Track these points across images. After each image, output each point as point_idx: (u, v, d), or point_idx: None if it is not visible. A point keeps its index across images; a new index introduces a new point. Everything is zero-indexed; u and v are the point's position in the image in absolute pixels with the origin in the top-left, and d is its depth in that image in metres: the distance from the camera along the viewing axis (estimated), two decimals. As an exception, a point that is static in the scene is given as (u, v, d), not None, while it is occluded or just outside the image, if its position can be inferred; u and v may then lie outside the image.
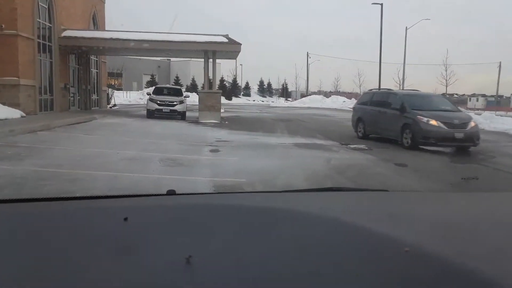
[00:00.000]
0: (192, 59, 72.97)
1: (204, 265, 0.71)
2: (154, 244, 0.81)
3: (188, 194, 1.53)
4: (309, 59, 63.70)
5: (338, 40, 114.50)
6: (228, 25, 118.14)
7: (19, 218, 0.96)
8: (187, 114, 19.20)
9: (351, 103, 40.98)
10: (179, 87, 23.10)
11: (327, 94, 53.05)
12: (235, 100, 60.65)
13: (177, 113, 18.55)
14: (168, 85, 25.60)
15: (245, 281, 0.68)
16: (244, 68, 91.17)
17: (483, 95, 70.05)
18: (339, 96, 46.19)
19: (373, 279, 0.70)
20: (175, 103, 18.61)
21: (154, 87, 21.53)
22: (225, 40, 18.63)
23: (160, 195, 1.26)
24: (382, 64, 35.01)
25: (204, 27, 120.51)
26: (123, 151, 8.32)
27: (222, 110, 29.50)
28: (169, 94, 19.51)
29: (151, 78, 60.43)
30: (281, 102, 46.51)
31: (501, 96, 65.63)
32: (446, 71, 53.34)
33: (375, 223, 0.95)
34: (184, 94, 21.01)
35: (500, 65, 61.12)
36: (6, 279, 0.65)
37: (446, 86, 53.93)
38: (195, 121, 18.00)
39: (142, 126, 14.96)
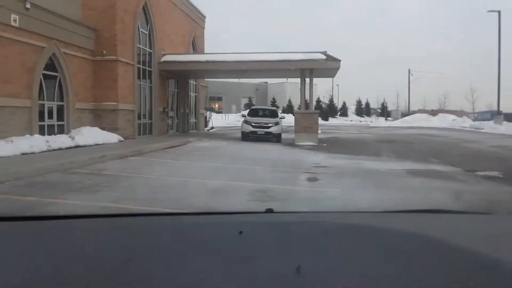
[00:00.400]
0: (289, 80, 73.47)
1: (312, 275, 0.75)
2: (266, 256, 0.87)
3: (285, 212, 1.67)
4: (411, 76, 59.75)
5: (444, 55, 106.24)
6: (320, 45, 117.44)
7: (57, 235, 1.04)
8: (283, 136, 18.27)
9: (462, 122, 36.81)
10: (274, 108, 22.21)
11: (432, 112, 48.66)
12: (331, 121, 58.77)
13: (272, 135, 17.66)
14: (263, 107, 24.89)
15: None
16: (341, 89, 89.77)
17: None
18: (447, 114, 41.86)
19: None
20: (270, 125, 17.75)
21: (249, 109, 20.96)
22: (323, 57, 17.40)
23: (259, 212, 1.36)
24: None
25: (292, 47, 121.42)
26: (209, 180, 7.43)
27: (319, 132, 28.31)
28: (264, 115, 18.76)
29: (248, 101, 61.45)
30: (380, 122, 43.65)
31: None
32: None
33: (490, 251, 0.90)
34: (280, 115, 20.13)
35: None
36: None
37: None
38: (291, 144, 16.91)
39: (235, 150, 14.23)
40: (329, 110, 62.66)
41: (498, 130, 25.55)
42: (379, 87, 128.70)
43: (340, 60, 17.16)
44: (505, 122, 27.52)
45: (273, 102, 59.50)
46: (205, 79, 26.82)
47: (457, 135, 25.48)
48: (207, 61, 18.64)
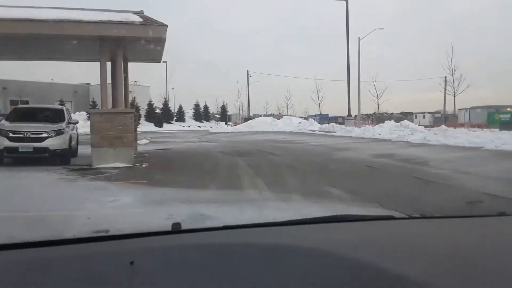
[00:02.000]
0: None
1: None
2: None
3: (193, 231, 1.30)
4: (249, 77, 56.90)
5: (278, 55, 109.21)
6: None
7: (11, 266, 0.91)
8: (82, 151, 10.62)
9: (309, 125, 34.06)
10: (60, 107, 13.28)
11: (278, 116, 46.06)
12: (167, 127, 51.73)
13: (49, 152, 9.86)
14: (37, 105, 15.67)
15: None
16: (179, 92, 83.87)
17: (430, 112, 68.85)
18: (293, 117, 39.10)
19: None
20: (45, 135, 9.91)
21: (12, 110, 12.13)
22: (138, 19, 10.34)
23: (165, 233, 1.21)
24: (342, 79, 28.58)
25: None
26: None
27: (145, 141, 20.89)
28: (36, 119, 10.65)
29: (61, 105, 50.23)
30: (222, 127, 38.63)
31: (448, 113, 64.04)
32: (375, 88, 50.65)
33: (382, 259, 0.92)
34: (72, 119, 12.23)
35: (445, 80, 59.00)
36: None
37: (378, 104, 51.21)
38: (85, 168, 9.49)
39: None
40: (164, 115, 55.51)
41: (354, 133, 22.19)
42: (219, 91, 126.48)
43: (165, 26, 10.37)
44: (365, 125, 24.67)
45: (94, 106, 49.67)
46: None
47: (314, 140, 21.41)
48: None
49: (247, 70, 57.51)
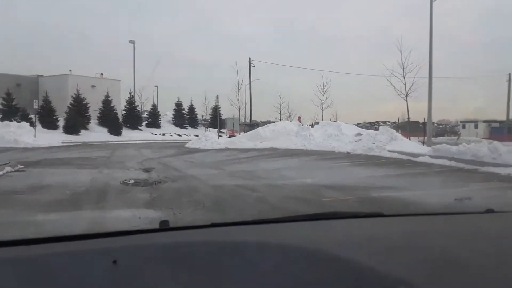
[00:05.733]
0: (73, 71, 46.79)
1: None
2: None
3: (182, 228, 1.27)
4: (252, 68, 39.77)
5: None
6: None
7: None
8: None
9: (388, 140, 16.91)
10: None
11: (299, 120, 29.11)
12: (129, 135, 34.49)
13: None
14: None
15: None
16: (162, 91, 65.56)
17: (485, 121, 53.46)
18: (343, 124, 21.44)
19: None
20: None
21: None
22: None
23: (154, 230, 1.17)
24: None
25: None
26: None
27: None
28: None
29: (4, 102, 33.46)
30: (210, 138, 21.36)
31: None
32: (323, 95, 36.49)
33: (369, 256, 0.92)
34: None
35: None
36: None
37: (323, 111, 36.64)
38: None
39: None
40: (127, 119, 38.33)
41: None
42: (213, 91, 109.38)
43: None
44: None
45: (47, 102, 32.63)
46: None
47: None
48: None
49: (249, 58, 40.35)
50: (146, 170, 10.94)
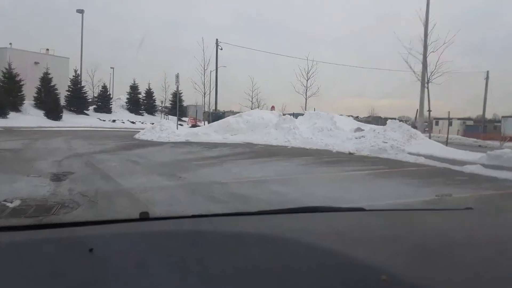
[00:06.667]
0: (13, 45, 41.09)
1: None
2: (122, 280, 0.75)
3: (162, 218, 1.25)
4: (220, 50, 35.23)
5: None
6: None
7: None
8: None
9: (406, 138, 13.02)
10: None
11: (272, 109, 24.87)
12: (71, 120, 29.25)
13: None
14: None
15: None
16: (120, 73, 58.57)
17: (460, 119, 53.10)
18: (336, 116, 17.28)
19: None
20: None
21: None
22: None
23: (133, 220, 1.15)
24: None
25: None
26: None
27: None
28: None
29: None
30: (167, 127, 16.96)
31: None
32: (307, 80, 32.35)
33: (350, 247, 0.92)
34: None
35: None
36: None
37: (306, 99, 32.65)
38: None
39: None
40: (71, 102, 32.96)
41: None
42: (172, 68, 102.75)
43: None
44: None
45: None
46: None
47: None
48: None
49: (216, 39, 35.67)
50: (57, 178, 6.68)
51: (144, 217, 1.15)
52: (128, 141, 15.21)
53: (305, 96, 30.96)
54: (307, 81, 31.40)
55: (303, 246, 0.93)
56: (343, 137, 14.07)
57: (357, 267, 0.80)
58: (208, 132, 16.70)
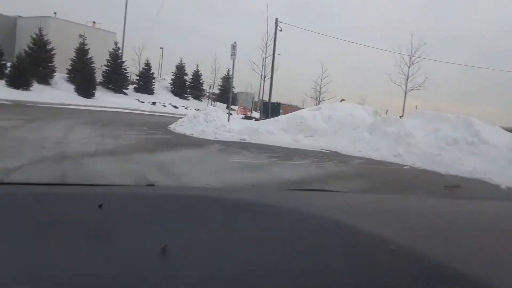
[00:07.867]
0: (57, 14, 37.77)
1: (180, 256, 0.70)
2: (129, 233, 0.77)
3: (167, 186, 1.32)
4: (279, 32, 29.66)
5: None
6: None
7: None
8: None
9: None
10: None
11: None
12: (107, 99, 25.12)
13: None
14: None
15: (220, 272, 0.66)
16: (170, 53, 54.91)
17: None
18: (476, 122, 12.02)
19: (361, 277, 0.69)
20: None
21: None
22: None
23: (139, 186, 1.20)
24: None
25: None
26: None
27: None
28: None
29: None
30: (214, 116, 12.10)
31: None
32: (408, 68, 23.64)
33: (361, 223, 0.93)
34: None
35: None
36: None
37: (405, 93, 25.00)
38: None
39: None
40: (109, 79, 28.95)
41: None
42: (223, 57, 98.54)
43: None
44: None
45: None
46: None
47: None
48: None
49: (276, 19, 30.20)
50: None
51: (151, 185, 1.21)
52: (158, 134, 10.39)
53: (404, 89, 23.44)
54: (408, 68, 22.93)
55: (315, 218, 0.93)
56: (496, 156, 8.52)
57: (367, 238, 0.81)
58: (271, 130, 11.57)
